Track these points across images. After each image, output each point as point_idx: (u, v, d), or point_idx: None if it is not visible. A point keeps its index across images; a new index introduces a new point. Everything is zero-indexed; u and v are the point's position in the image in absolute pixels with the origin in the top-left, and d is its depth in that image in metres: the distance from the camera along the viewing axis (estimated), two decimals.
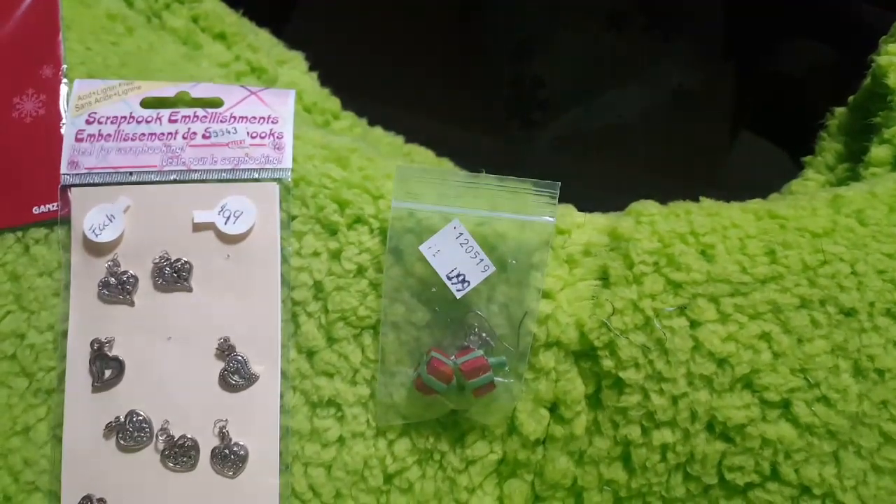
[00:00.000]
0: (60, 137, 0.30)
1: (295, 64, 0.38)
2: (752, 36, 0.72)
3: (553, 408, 0.28)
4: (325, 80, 0.40)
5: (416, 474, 0.29)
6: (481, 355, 0.27)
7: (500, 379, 0.28)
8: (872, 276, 0.27)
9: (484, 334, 0.28)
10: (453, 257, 0.27)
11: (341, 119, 0.38)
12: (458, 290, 0.27)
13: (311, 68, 0.40)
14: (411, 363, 0.28)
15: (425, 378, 0.27)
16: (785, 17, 0.72)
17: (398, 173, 0.28)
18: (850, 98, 0.35)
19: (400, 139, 0.43)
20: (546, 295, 0.28)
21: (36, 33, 0.31)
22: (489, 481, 0.29)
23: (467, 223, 0.25)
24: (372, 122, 0.43)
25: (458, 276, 0.27)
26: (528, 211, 0.28)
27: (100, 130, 0.30)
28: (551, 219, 0.29)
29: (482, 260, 0.28)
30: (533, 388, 0.28)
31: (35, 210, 0.29)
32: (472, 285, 0.28)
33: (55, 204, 0.29)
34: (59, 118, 0.30)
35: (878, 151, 0.32)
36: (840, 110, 0.35)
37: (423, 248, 0.27)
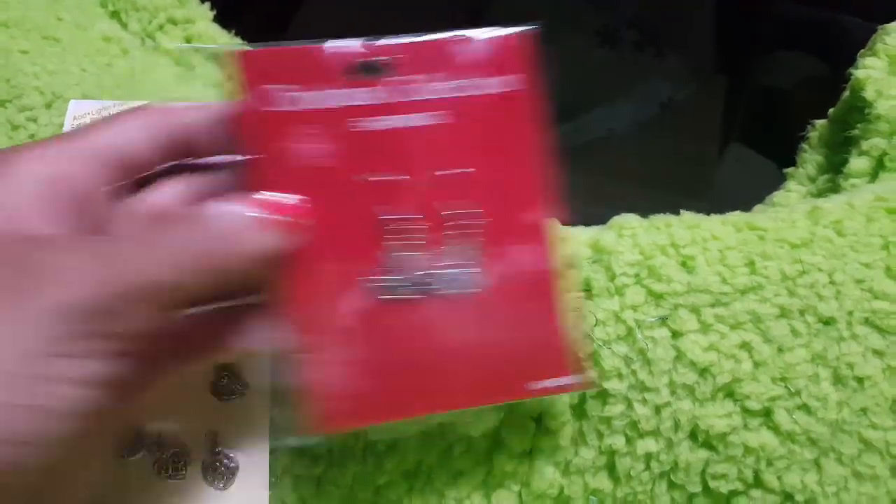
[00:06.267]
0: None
1: None
2: (743, 50, 0.73)
3: (538, 419, 0.29)
4: None
5: (404, 487, 0.29)
6: None
7: None
8: (850, 285, 0.27)
9: None
10: None
11: None
12: None
13: None
14: None
15: None
16: (775, 30, 0.73)
17: None
18: (831, 111, 0.36)
19: None
20: None
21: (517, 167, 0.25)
22: (477, 493, 0.29)
23: None
24: None
25: None
26: None
27: None
28: None
29: None
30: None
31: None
32: None
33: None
34: (552, 275, 0.25)
35: (856, 163, 0.32)
36: (821, 122, 0.36)
37: None
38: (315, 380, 0.24)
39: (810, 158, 0.35)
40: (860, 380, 0.27)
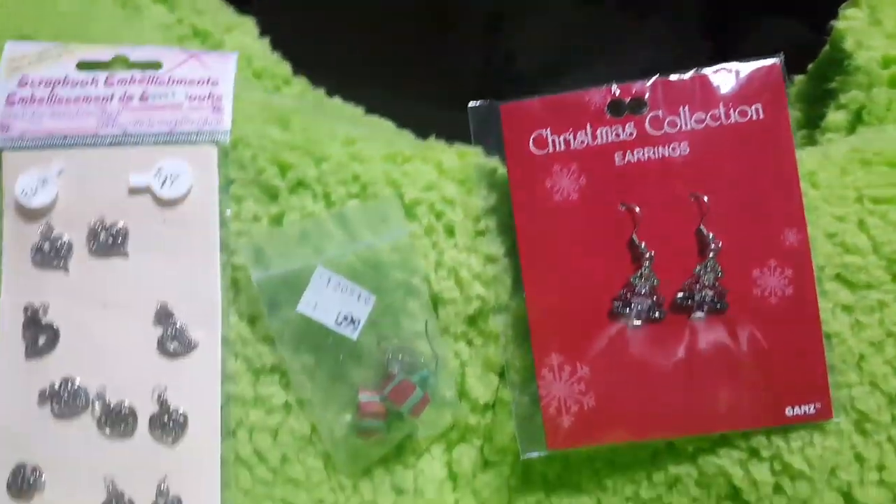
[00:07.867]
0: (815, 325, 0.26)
1: (245, 29, 0.37)
2: (730, 13, 0.72)
3: (503, 373, 0.28)
4: (295, 59, 0.38)
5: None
6: (403, 378, 0.26)
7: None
8: (822, 239, 0.26)
9: (400, 355, 0.27)
10: (333, 303, 0.27)
11: (293, 85, 0.37)
12: (353, 332, 0.27)
13: (276, 42, 0.38)
14: (345, 407, 0.27)
15: (362, 425, 0.27)
16: None
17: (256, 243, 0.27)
18: (810, 65, 0.35)
19: (360, 110, 0.42)
20: (490, 259, 0.28)
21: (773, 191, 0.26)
22: (437, 446, 0.28)
23: (332, 265, 0.26)
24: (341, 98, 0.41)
25: (345, 318, 0.27)
26: (384, 229, 0.28)
27: (33, 94, 0.29)
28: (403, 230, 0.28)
29: (360, 294, 0.27)
30: (482, 353, 0.28)
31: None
32: (363, 321, 0.27)
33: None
34: (813, 299, 0.26)
35: (834, 117, 0.31)
36: (799, 78, 0.35)
37: (300, 308, 0.26)
38: (551, 398, 0.26)
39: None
40: (828, 336, 0.26)
